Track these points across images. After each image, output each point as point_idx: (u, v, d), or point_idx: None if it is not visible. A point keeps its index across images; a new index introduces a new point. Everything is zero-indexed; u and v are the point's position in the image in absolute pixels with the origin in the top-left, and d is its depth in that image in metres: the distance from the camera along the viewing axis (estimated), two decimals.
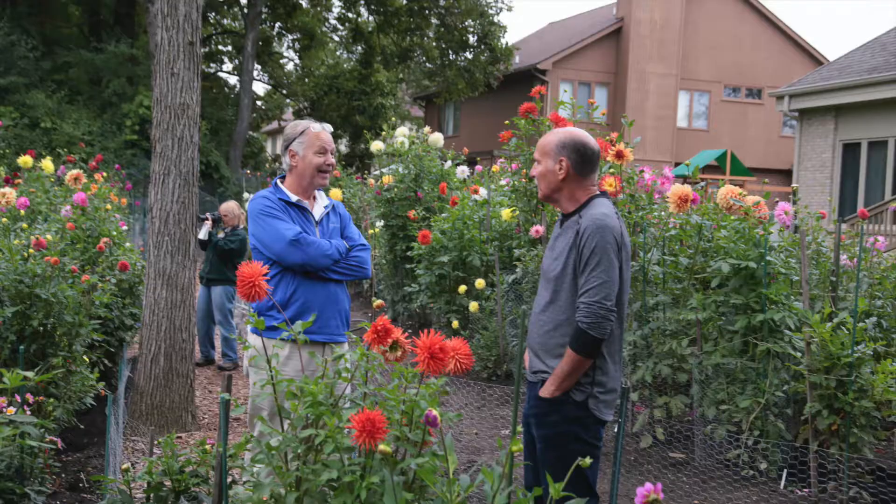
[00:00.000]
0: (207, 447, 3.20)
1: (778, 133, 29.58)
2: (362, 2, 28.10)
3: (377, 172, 10.92)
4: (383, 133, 10.11)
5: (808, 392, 4.33)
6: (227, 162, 24.90)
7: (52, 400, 4.25)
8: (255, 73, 27.87)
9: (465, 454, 5.10)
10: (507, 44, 26.83)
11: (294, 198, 3.48)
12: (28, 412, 3.49)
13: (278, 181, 3.56)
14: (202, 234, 7.65)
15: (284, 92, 32.72)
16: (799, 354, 4.41)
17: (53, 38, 24.98)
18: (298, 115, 30.27)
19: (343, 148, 31.18)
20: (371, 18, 28.95)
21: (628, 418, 5.42)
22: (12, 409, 3.38)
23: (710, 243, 4.93)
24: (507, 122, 6.84)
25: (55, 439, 3.83)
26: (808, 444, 4.38)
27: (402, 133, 9.59)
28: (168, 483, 3.11)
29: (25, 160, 7.61)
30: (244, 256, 7.69)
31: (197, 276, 6.20)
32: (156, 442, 4.21)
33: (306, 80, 30.98)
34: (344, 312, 3.52)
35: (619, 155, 4.89)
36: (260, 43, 27.77)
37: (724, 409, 4.70)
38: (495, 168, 10.16)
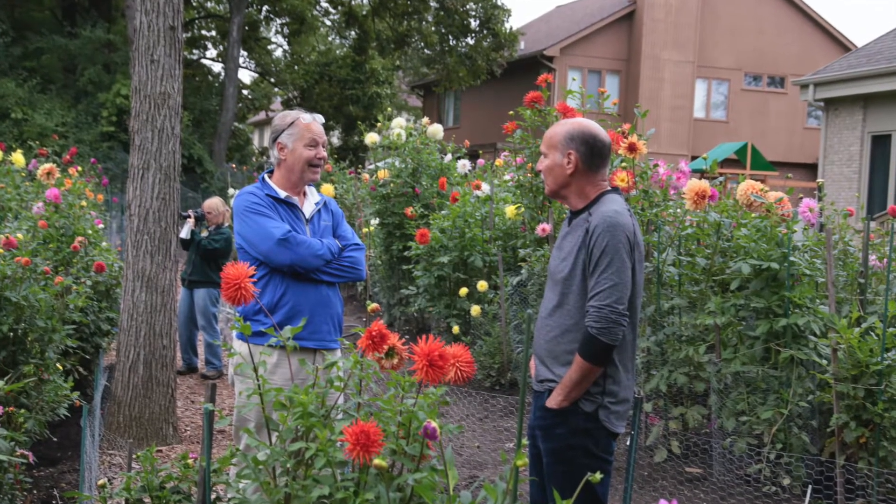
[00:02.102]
0: (190, 461, 3.21)
1: (802, 124, 29.59)
2: None
3: (372, 167, 10.92)
4: (378, 124, 10.11)
5: (835, 402, 4.34)
6: (210, 155, 24.93)
7: (23, 411, 4.25)
8: (240, 59, 27.89)
9: (467, 469, 5.10)
10: (511, 28, 26.84)
11: (283, 194, 3.48)
12: None
13: (266, 176, 3.57)
14: (184, 232, 7.65)
15: (272, 80, 32.75)
16: (825, 362, 4.41)
17: (24, 22, 25.00)
18: (287, 104, 30.29)
19: (335, 140, 31.21)
20: (365, 1, 28.97)
21: (641, 430, 5.43)
22: None
23: (729, 243, 4.94)
24: (511, 112, 6.85)
25: (26, 453, 3.83)
26: (835, 458, 4.38)
27: (399, 124, 9.58)
28: (147, 500, 3.11)
29: None
30: (229, 257, 7.69)
31: (178, 277, 6.20)
32: (134, 456, 4.21)
33: (296, 67, 31.01)
34: (336, 317, 3.52)
35: (632, 148, 4.89)
36: (246, 28, 27.79)
37: (744, 421, 4.70)
38: (499, 162, 10.16)
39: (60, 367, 5.05)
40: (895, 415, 4.19)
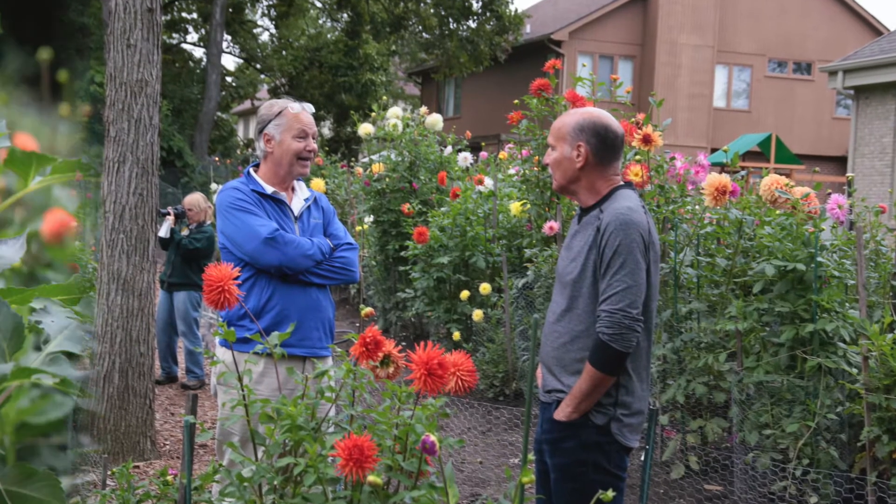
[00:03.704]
0: (169, 478, 3.21)
1: (830, 114, 29.61)
2: None
3: (366, 160, 10.93)
4: (373, 114, 10.12)
5: (866, 414, 4.34)
6: (191, 148, 24.95)
7: None
8: (224, 44, 27.91)
9: (468, 486, 5.11)
10: (516, 10, 26.86)
11: (269, 189, 3.48)
12: None
13: (251, 170, 3.57)
14: (163, 231, 7.66)
15: (258, 66, 32.76)
16: (855, 371, 4.41)
17: None
18: (275, 93, 30.31)
19: (326, 131, 31.22)
20: None
21: (657, 445, 5.43)
22: None
23: (751, 242, 4.94)
24: (516, 101, 6.85)
25: None
26: (866, 475, 4.38)
27: (395, 114, 9.59)
28: None
29: None
30: (212, 257, 7.70)
31: (157, 279, 6.21)
32: (109, 472, 4.21)
33: (284, 52, 31.01)
34: (327, 322, 3.52)
35: (647, 139, 4.89)
36: (230, 9, 27.80)
37: (767, 434, 4.70)
38: (503, 155, 10.16)
39: None
40: None
